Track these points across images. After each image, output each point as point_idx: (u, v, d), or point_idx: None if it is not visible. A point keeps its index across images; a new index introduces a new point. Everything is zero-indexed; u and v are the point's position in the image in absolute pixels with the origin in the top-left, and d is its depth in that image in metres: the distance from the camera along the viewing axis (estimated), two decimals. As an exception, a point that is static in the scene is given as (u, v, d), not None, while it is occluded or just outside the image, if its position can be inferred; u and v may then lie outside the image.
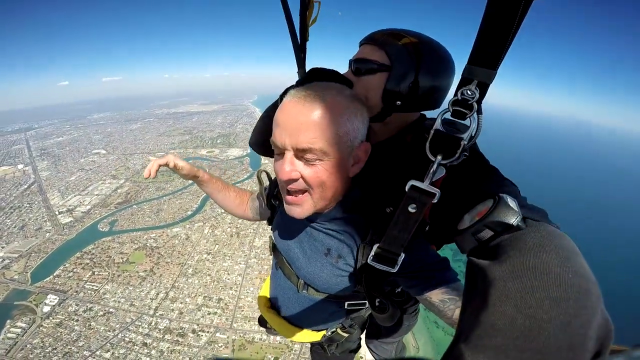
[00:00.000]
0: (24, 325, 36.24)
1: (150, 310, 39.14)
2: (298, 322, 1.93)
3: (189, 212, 63.03)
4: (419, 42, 1.50)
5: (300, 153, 1.21)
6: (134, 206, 65.86)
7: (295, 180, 1.26)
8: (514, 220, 0.76)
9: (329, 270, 1.53)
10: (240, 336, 35.87)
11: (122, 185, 77.09)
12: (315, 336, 1.99)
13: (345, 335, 2.02)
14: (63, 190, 72.94)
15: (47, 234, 54.78)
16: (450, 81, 1.58)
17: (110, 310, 38.94)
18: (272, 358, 33.19)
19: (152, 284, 43.25)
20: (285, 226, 1.74)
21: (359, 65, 1.55)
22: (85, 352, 33.23)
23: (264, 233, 52.71)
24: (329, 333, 2.01)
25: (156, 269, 46.19)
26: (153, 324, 37.34)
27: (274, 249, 1.87)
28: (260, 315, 2.15)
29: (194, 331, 36.56)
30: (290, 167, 1.22)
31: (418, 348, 32.84)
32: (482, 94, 0.95)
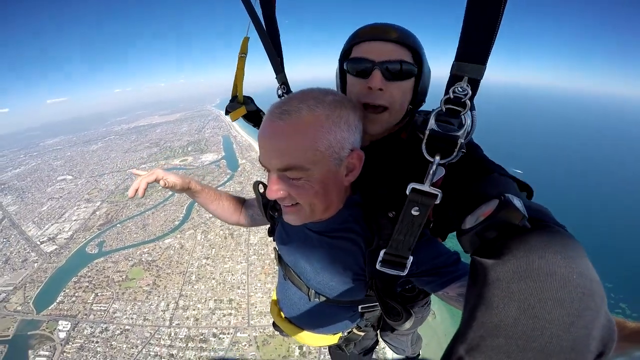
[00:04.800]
0: (47, 353, 34.56)
1: (165, 322, 38.22)
2: (313, 328, 1.92)
3: (177, 222, 61.57)
4: (413, 36, 1.45)
5: (283, 172, 1.19)
6: (118, 225, 63.15)
7: (285, 197, 1.25)
8: (519, 220, 0.75)
9: (338, 279, 1.52)
10: (260, 332, 35.64)
11: (99, 207, 73.71)
12: (333, 339, 1.99)
13: (362, 334, 2.03)
14: (37, 221, 68.78)
15: (35, 264, 51.78)
16: None
17: (126, 327, 37.67)
18: (297, 348, 33.02)
19: (159, 297, 42.10)
20: (288, 237, 1.72)
21: (396, 67, 1.39)
22: (115, 373, 32.08)
23: (258, 230, 52.12)
24: (346, 334, 2.01)
25: (158, 281, 44.95)
26: (173, 334, 36.49)
27: (280, 260, 1.86)
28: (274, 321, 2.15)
29: (214, 335, 36.11)
30: (276, 187, 1.21)
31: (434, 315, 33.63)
32: (474, 90, 0.96)
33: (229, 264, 47.32)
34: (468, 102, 0.96)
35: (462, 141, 0.99)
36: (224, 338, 35.83)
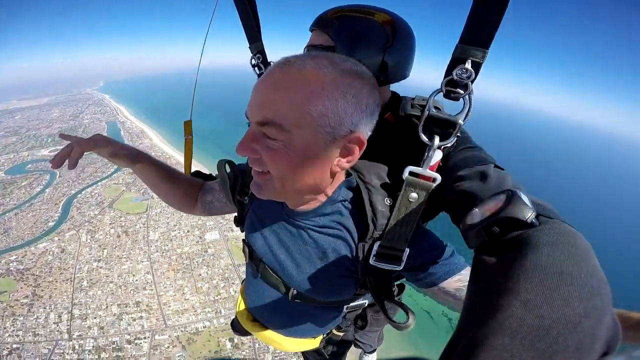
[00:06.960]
0: None
1: (63, 335, 32.92)
2: (292, 333, 1.76)
3: (51, 223, 52.65)
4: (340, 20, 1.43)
5: (261, 128, 0.98)
6: (-30, 232, 51.58)
7: (256, 158, 1.03)
8: (528, 217, 0.72)
9: (325, 277, 1.34)
10: (182, 331, 33.25)
11: (-59, 212, 59.09)
12: (314, 343, 1.89)
13: (341, 334, 1.97)
14: None
15: None
16: (413, 46, 1.49)
17: (14, 346, 31.42)
18: (227, 340, 31.79)
19: (45, 308, 36.09)
20: (263, 228, 1.45)
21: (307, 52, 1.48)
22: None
23: (157, 225, 49.22)
24: (325, 336, 1.93)
25: (39, 291, 38.47)
26: (77, 347, 31.69)
27: (251, 255, 1.57)
28: (234, 320, 1.97)
29: (129, 342, 32.45)
30: (247, 142, 1.01)
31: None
32: (476, 73, 0.99)
33: (128, 265, 42.98)
34: (470, 84, 0.99)
35: (462, 123, 1.01)
36: (140, 343, 32.66)
